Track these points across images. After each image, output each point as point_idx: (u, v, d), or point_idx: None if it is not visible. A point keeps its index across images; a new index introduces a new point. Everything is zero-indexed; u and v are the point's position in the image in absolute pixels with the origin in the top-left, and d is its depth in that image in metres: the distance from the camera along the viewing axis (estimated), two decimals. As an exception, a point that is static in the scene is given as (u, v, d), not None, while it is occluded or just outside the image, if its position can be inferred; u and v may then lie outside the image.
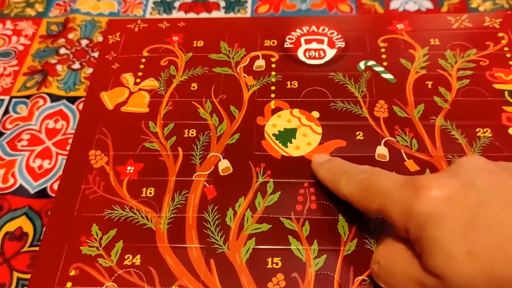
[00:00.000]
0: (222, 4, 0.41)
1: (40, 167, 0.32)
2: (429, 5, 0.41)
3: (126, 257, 0.26)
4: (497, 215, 0.18)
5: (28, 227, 0.29)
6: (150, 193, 0.28)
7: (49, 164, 0.32)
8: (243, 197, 0.28)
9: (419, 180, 0.20)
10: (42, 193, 0.30)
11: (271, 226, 0.26)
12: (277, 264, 0.25)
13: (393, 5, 0.41)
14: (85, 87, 0.35)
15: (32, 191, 0.31)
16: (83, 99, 0.34)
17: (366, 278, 0.24)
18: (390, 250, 0.22)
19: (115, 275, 0.25)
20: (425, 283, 0.20)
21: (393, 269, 0.21)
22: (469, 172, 0.20)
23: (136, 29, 0.37)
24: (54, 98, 0.35)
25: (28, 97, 0.36)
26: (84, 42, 0.39)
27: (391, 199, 0.21)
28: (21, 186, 0.31)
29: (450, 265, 0.18)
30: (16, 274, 0.27)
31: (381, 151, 0.29)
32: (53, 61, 0.37)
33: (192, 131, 0.31)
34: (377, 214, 0.23)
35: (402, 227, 0.20)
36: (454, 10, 0.40)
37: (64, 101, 0.35)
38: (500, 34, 0.35)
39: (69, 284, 0.25)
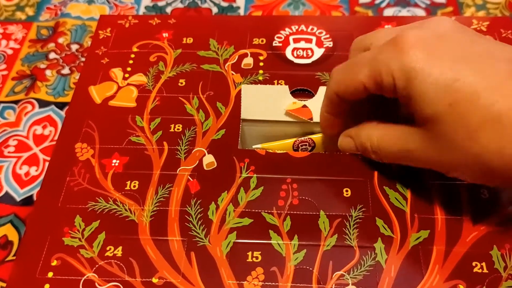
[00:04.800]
0: (215, 10, 0.41)
1: (27, 174, 0.32)
2: (422, 13, 0.42)
3: (108, 248, 0.26)
4: (473, 64, 0.21)
5: (13, 235, 0.29)
6: (134, 186, 0.28)
7: (36, 171, 0.32)
8: (226, 191, 0.28)
9: (399, 37, 0.22)
10: (28, 201, 0.30)
11: (252, 220, 0.27)
12: (257, 258, 0.25)
13: (386, 14, 0.42)
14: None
15: (18, 199, 0.30)
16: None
17: (344, 273, 0.25)
18: (381, 127, 0.26)
19: (96, 266, 0.26)
20: (414, 147, 0.23)
21: (387, 147, 0.25)
22: (440, 28, 0.23)
23: (127, 25, 0.37)
24: (43, 103, 0.35)
25: (16, 102, 0.35)
26: (74, 47, 0.39)
27: (376, 61, 0.23)
28: (7, 193, 0.31)
29: (434, 118, 0.22)
30: (0, 284, 0.27)
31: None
32: (42, 66, 0.37)
33: (178, 126, 0.31)
34: (367, 86, 0.24)
35: (392, 86, 0.23)
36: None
37: (53, 106, 0.35)
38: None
39: (50, 274, 0.25)
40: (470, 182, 0.24)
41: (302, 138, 0.30)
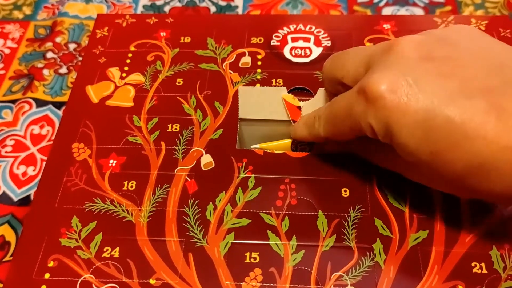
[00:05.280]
0: (213, 9, 0.41)
1: (24, 174, 0.31)
2: (421, 13, 0.41)
3: (105, 249, 0.26)
4: (448, 107, 0.20)
5: (10, 236, 0.29)
6: (132, 186, 0.28)
7: (34, 171, 0.32)
8: (224, 192, 0.28)
9: (367, 88, 0.21)
10: (25, 201, 0.30)
11: (250, 221, 0.27)
12: (255, 258, 0.25)
13: (384, 13, 0.42)
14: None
15: (15, 199, 0.30)
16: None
17: (343, 274, 0.25)
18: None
19: (93, 267, 0.25)
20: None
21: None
22: (407, 64, 0.21)
23: (124, 24, 0.37)
24: (40, 103, 0.35)
25: (13, 101, 0.35)
26: (72, 46, 0.38)
27: (354, 116, 0.23)
28: (4, 193, 0.31)
29: (419, 163, 0.21)
30: (-3, 285, 0.27)
31: (363, 149, 0.29)
32: (40, 65, 0.37)
33: (176, 125, 0.31)
34: (357, 134, 0.24)
35: (374, 135, 0.22)
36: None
37: (50, 106, 0.35)
38: (485, 36, 0.35)
39: (47, 275, 0.25)
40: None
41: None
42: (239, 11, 0.41)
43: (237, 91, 0.32)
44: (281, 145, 0.30)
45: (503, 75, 0.20)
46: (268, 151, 0.29)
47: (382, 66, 0.22)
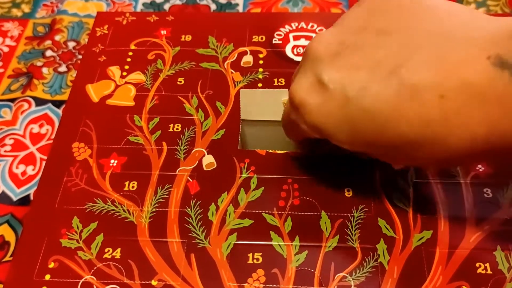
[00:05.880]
0: (213, 7, 0.41)
1: (24, 173, 0.31)
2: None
3: (106, 250, 0.26)
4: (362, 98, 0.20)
5: (10, 236, 0.29)
6: (133, 186, 0.28)
7: (33, 170, 0.31)
8: (226, 192, 0.27)
9: (290, 97, 0.23)
10: (25, 200, 0.30)
11: (253, 221, 0.26)
12: (257, 259, 0.25)
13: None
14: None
15: (14, 198, 0.30)
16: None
17: (346, 275, 0.24)
18: None
19: (95, 268, 0.25)
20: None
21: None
22: (318, 65, 0.22)
23: (124, 22, 0.37)
24: (39, 102, 0.34)
25: (12, 100, 0.35)
26: (71, 44, 0.38)
27: (294, 123, 0.24)
28: (3, 193, 0.30)
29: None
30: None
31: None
32: (39, 63, 0.37)
33: (177, 125, 0.30)
34: (309, 136, 0.24)
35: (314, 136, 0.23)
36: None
37: (50, 105, 0.34)
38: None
39: (47, 276, 0.25)
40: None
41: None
42: (240, 9, 0.40)
43: (238, 92, 0.32)
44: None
45: (415, 43, 0.20)
46: (270, 151, 0.29)
47: (300, 72, 0.23)
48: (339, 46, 0.22)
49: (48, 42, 0.38)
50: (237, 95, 0.32)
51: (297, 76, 0.23)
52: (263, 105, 0.31)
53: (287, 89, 0.30)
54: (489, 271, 0.24)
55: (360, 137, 0.21)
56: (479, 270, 0.24)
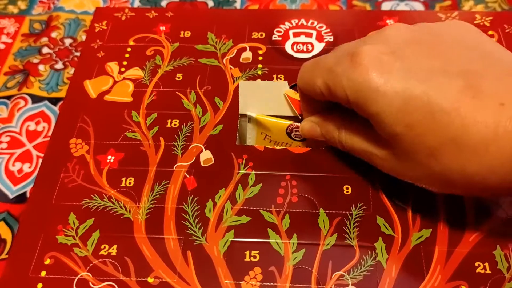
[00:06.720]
0: (210, 3, 0.41)
1: (20, 170, 0.31)
2: (420, 7, 0.41)
3: (102, 247, 0.26)
4: (427, 82, 0.20)
5: (6, 234, 0.28)
6: (130, 183, 0.28)
7: (29, 167, 0.31)
8: (223, 188, 0.27)
9: (356, 54, 0.22)
10: (21, 198, 0.30)
11: (250, 218, 0.26)
12: (255, 257, 0.25)
13: (384, 7, 0.41)
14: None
15: (11, 196, 0.30)
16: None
17: (344, 274, 0.24)
18: (349, 122, 0.25)
19: (90, 265, 0.25)
20: (378, 155, 0.23)
21: (353, 144, 0.25)
22: (395, 43, 0.22)
23: (123, 18, 0.36)
24: (36, 99, 0.34)
25: (8, 97, 0.35)
26: (67, 41, 0.38)
27: (333, 73, 0.23)
28: None
29: (394, 137, 0.21)
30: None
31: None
32: (35, 60, 0.36)
33: (175, 121, 0.30)
34: (323, 93, 0.24)
35: (346, 101, 0.23)
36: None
37: (46, 102, 0.34)
38: (490, 32, 0.34)
39: (43, 273, 0.25)
40: (437, 192, 0.25)
41: (297, 124, 0.29)
42: (237, 5, 0.40)
43: (237, 87, 0.31)
44: (277, 125, 0.29)
45: (484, 62, 0.21)
46: (269, 147, 0.29)
47: (374, 40, 0.23)
48: (417, 37, 0.23)
49: (44, 39, 0.37)
50: (236, 90, 0.31)
51: (369, 42, 0.23)
52: (262, 99, 0.30)
53: (287, 82, 0.30)
54: (488, 271, 0.24)
55: (406, 117, 0.20)
56: (478, 270, 0.24)
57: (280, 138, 0.30)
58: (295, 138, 0.29)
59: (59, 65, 0.36)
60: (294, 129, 0.29)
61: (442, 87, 0.20)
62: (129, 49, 0.34)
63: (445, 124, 0.20)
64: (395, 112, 0.21)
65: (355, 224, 0.26)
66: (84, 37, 0.37)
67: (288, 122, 0.29)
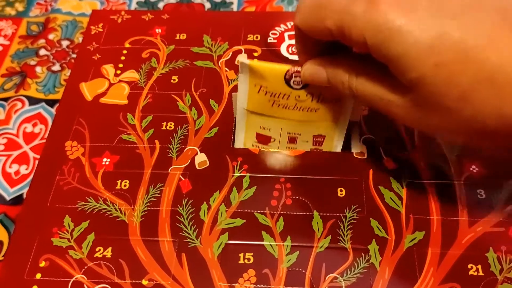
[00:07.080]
0: (207, 5, 0.41)
1: (17, 172, 0.31)
2: None
3: (97, 249, 0.26)
4: (458, 17, 0.18)
5: (3, 236, 0.28)
6: (125, 185, 0.28)
7: (26, 169, 0.31)
8: (218, 191, 0.27)
9: None
10: (18, 200, 0.30)
11: (245, 221, 0.26)
12: (249, 259, 0.25)
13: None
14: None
15: (8, 198, 0.30)
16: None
17: (337, 276, 0.24)
18: (363, 66, 0.22)
19: (85, 267, 0.25)
20: (396, 103, 0.21)
21: (366, 90, 0.22)
22: None
23: (119, 20, 0.37)
24: (33, 101, 0.34)
25: (5, 99, 0.35)
26: (65, 43, 0.38)
27: (347, 14, 0.20)
28: None
29: (418, 80, 0.19)
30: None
31: (360, 148, 0.29)
32: (32, 62, 0.36)
33: (170, 124, 0.30)
34: (333, 34, 0.21)
35: (363, 44, 0.20)
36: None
37: (43, 104, 0.34)
38: None
39: (38, 275, 0.25)
40: (461, 144, 0.22)
41: (297, 68, 0.25)
42: (234, 7, 0.40)
43: (233, 89, 0.31)
44: (275, 71, 0.26)
45: None
46: (265, 149, 0.29)
47: None
48: None
49: (41, 41, 0.38)
50: (231, 93, 0.31)
51: None
52: None
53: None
54: (481, 273, 0.24)
55: (435, 56, 0.19)
56: (471, 272, 0.24)
57: (277, 87, 0.26)
58: (295, 86, 0.26)
59: (56, 67, 0.36)
60: (293, 74, 0.26)
61: (476, 22, 0.18)
62: (125, 52, 0.34)
63: (480, 61, 0.18)
64: (422, 52, 0.19)
65: (349, 227, 0.26)
66: (81, 39, 0.37)
67: (287, 67, 0.26)
